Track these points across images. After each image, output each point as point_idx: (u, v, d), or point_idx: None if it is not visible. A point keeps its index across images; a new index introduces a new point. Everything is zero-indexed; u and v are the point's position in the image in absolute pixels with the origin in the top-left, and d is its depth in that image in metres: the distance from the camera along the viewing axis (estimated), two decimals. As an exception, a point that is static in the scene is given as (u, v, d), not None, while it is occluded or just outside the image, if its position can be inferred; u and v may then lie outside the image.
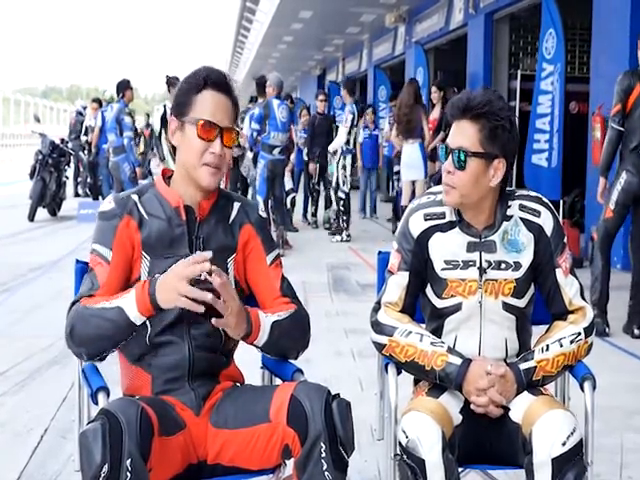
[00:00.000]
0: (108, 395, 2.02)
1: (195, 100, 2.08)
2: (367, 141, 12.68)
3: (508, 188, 2.25)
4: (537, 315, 2.33)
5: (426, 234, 2.22)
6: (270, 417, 1.99)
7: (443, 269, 2.21)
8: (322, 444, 1.90)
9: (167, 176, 2.19)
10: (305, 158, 11.82)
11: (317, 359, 4.38)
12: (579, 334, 2.20)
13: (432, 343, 2.18)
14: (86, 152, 14.76)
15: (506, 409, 2.14)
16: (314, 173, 11.67)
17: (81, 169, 15.93)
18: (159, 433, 1.88)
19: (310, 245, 9.92)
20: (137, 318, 1.95)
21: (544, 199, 2.26)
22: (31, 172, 11.75)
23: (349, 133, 9.93)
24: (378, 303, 2.28)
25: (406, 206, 2.40)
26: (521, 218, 2.21)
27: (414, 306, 2.29)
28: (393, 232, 9.85)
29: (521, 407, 2.12)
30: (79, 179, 16.25)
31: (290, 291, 2.23)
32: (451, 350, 2.17)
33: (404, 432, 2.02)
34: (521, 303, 2.23)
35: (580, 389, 2.17)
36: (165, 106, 9.32)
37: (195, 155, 2.08)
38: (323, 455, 1.90)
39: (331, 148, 10.15)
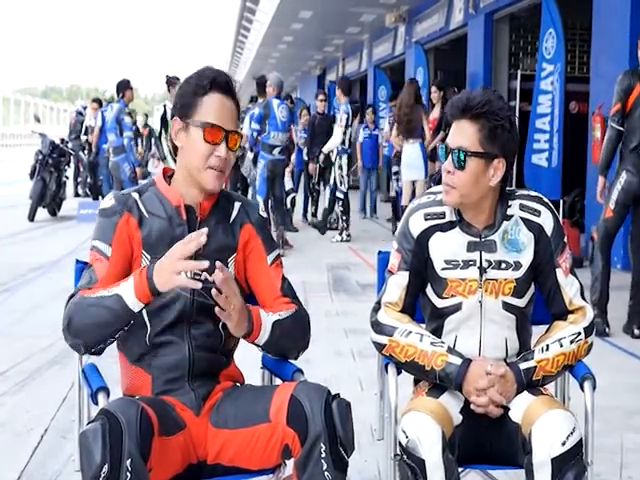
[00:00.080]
0: (108, 395, 2.02)
1: (201, 102, 2.08)
2: (367, 141, 12.70)
3: (508, 188, 2.25)
4: (537, 315, 2.33)
5: (426, 234, 2.22)
6: (270, 417, 1.99)
7: (443, 269, 2.21)
8: (322, 444, 1.90)
9: (168, 175, 2.19)
10: (305, 158, 11.82)
11: (317, 359, 4.38)
12: (579, 334, 2.20)
13: (432, 343, 2.18)
14: (86, 152, 14.77)
15: (506, 409, 2.14)
16: (314, 173, 11.67)
17: (81, 169, 15.94)
18: (159, 433, 1.88)
19: (310, 245, 9.92)
20: (135, 305, 1.93)
21: (544, 199, 2.26)
22: (31, 172, 11.75)
23: (344, 133, 9.93)
24: (378, 303, 2.28)
25: (406, 206, 2.40)
26: (521, 218, 2.21)
27: (414, 306, 2.29)
28: (393, 232, 9.85)
29: (521, 407, 2.12)
30: (79, 179, 16.25)
31: (290, 291, 2.23)
32: (451, 350, 2.17)
33: (404, 432, 2.02)
34: (521, 303, 2.23)
35: (580, 389, 2.17)
36: (165, 106, 9.31)
37: (200, 158, 2.08)
38: (323, 455, 1.90)
39: (326, 149, 10.13)
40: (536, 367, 2.16)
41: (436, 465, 1.97)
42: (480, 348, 2.21)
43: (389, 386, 2.21)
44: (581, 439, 2.01)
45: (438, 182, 2.26)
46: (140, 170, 10.62)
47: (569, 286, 2.23)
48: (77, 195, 15.90)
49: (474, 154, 2.13)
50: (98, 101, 14.51)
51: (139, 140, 14.81)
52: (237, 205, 2.21)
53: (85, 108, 16.31)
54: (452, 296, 2.21)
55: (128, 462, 1.78)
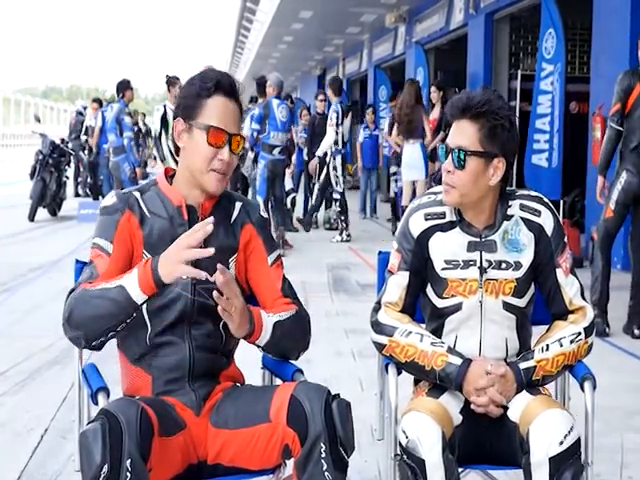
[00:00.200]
0: (108, 395, 2.01)
1: (205, 104, 2.08)
2: (367, 141, 12.69)
3: (508, 188, 2.25)
4: (537, 315, 2.33)
5: (426, 234, 2.22)
6: (270, 417, 1.99)
7: (443, 269, 2.21)
8: (322, 444, 1.90)
9: (169, 175, 2.19)
10: (305, 158, 11.82)
11: (317, 359, 4.38)
12: (579, 334, 2.20)
13: (432, 343, 2.18)
14: (86, 152, 14.77)
15: (506, 409, 2.14)
16: (314, 173, 11.67)
17: (81, 169, 15.94)
18: (159, 433, 1.88)
19: (310, 245, 9.92)
20: (139, 296, 1.92)
21: (544, 199, 2.26)
22: (31, 172, 11.76)
23: (336, 133, 9.94)
24: (378, 303, 2.28)
25: (407, 206, 2.40)
26: (521, 218, 2.21)
27: (414, 306, 2.29)
28: (393, 232, 9.85)
29: (519, 406, 2.12)
30: (79, 179, 16.26)
31: (291, 292, 2.23)
32: (451, 350, 2.17)
33: (404, 432, 2.02)
34: (521, 303, 2.23)
35: (580, 389, 2.17)
36: (165, 106, 9.29)
37: (203, 161, 2.08)
38: (323, 455, 1.90)
39: (320, 151, 10.13)
40: (536, 367, 2.16)
41: (436, 465, 1.97)
42: (480, 348, 2.21)
43: (389, 386, 2.21)
44: (579, 438, 2.01)
45: (439, 182, 2.26)
46: (140, 170, 10.62)
47: (569, 286, 2.23)
48: (77, 195, 15.90)
49: (474, 153, 2.13)
50: (98, 101, 14.51)
51: (146, 140, 14.75)
52: (238, 205, 2.21)
53: (85, 108, 16.31)
54: (452, 296, 2.21)
55: (128, 462, 1.78)
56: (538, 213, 2.22)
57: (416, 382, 2.36)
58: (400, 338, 2.20)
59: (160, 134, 9.26)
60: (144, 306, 1.98)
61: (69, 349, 2.10)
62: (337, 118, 9.85)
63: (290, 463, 2.00)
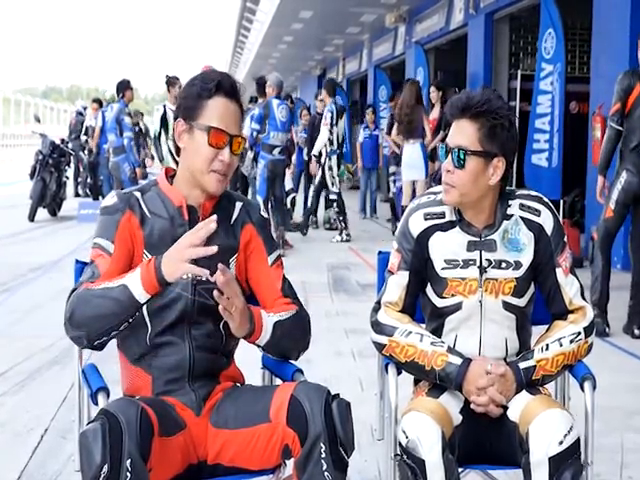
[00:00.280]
0: (108, 395, 2.01)
1: (206, 105, 2.08)
2: (367, 141, 12.70)
3: (508, 187, 2.25)
4: (537, 315, 2.33)
5: (426, 233, 2.22)
6: (270, 417, 1.99)
7: (443, 268, 2.21)
8: (322, 444, 1.90)
9: (169, 175, 2.19)
10: (305, 158, 11.82)
11: (317, 359, 4.38)
12: (579, 334, 2.20)
13: (432, 343, 2.18)
14: (86, 152, 14.76)
15: (506, 409, 2.14)
16: (314, 173, 11.66)
17: (81, 169, 15.95)
18: (159, 433, 1.88)
19: (310, 245, 9.92)
20: (142, 295, 1.92)
21: (544, 198, 2.26)
22: (31, 172, 11.76)
23: (330, 132, 9.94)
24: (378, 303, 2.28)
25: (406, 206, 2.40)
26: (521, 217, 2.21)
27: (414, 306, 2.29)
28: (393, 232, 9.85)
29: (518, 406, 2.12)
30: (79, 179, 16.26)
31: (291, 292, 2.23)
32: (451, 350, 2.17)
33: (404, 432, 2.02)
34: (521, 302, 2.23)
35: (580, 389, 2.17)
36: (165, 106, 9.30)
37: (204, 161, 2.08)
38: (323, 455, 1.90)
39: (315, 150, 10.13)
40: (536, 366, 2.16)
41: (436, 465, 1.97)
42: (480, 348, 2.21)
43: (389, 386, 2.21)
44: (578, 438, 2.01)
45: (439, 181, 2.26)
46: (140, 170, 10.62)
47: (569, 286, 2.23)
48: (77, 195, 15.91)
49: (473, 153, 2.13)
50: (98, 101, 14.50)
51: (147, 140, 14.72)
52: (238, 205, 2.21)
53: (85, 108, 16.31)
54: (452, 296, 2.21)
55: (128, 462, 1.78)
56: (538, 213, 2.22)
57: (416, 382, 2.36)
58: (400, 338, 2.20)
59: (160, 134, 9.27)
60: (144, 306, 1.98)
61: (69, 349, 2.10)
62: (331, 118, 9.87)
63: (290, 463, 2.00)
